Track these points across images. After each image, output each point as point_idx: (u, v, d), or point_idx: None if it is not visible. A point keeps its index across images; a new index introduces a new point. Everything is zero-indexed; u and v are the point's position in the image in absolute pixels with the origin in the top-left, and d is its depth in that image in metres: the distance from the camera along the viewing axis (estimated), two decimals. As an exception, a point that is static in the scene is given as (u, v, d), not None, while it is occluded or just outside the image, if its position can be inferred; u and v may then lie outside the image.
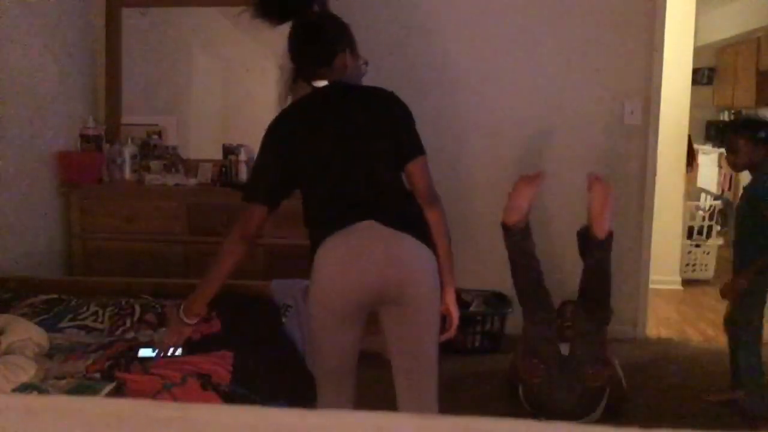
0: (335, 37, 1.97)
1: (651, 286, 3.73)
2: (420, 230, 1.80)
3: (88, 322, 2.20)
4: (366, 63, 2.08)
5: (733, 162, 2.66)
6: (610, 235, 2.45)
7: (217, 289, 1.91)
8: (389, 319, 1.87)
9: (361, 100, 1.92)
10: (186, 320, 1.89)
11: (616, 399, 2.67)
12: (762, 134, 2.57)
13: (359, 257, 1.74)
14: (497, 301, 3.51)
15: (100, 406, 0.49)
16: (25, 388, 1.66)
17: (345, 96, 1.91)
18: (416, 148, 1.89)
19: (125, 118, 3.73)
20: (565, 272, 3.68)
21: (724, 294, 2.68)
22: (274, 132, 1.90)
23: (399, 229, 1.76)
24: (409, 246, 1.77)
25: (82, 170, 3.42)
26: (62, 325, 2.16)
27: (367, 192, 1.81)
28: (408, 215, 1.81)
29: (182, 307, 1.90)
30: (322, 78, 1.90)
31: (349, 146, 1.84)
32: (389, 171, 1.85)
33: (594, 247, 2.50)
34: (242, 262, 1.97)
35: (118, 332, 2.13)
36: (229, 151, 3.55)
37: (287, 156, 1.86)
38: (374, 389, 2.93)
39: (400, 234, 1.76)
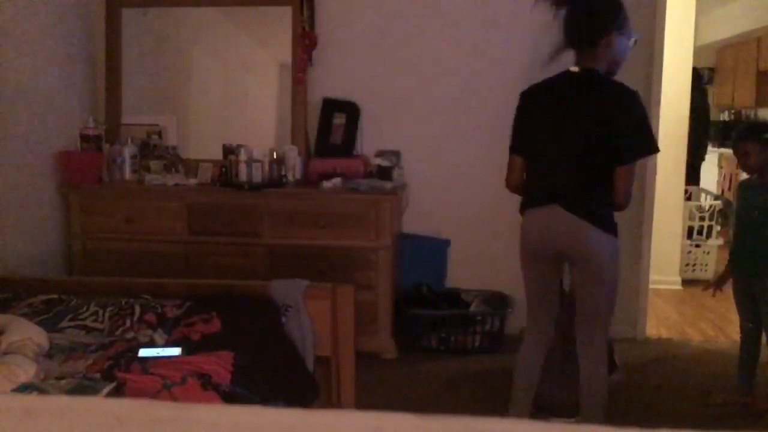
0: (604, 18, 2.19)
1: (651, 286, 3.73)
2: (599, 221, 2.15)
3: (88, 322, 2.19)
4: (635, 41, 2.31)
5: (746, 165, 2.77)
6: None
7: None
8: (574, 274, 2.28)
9: (600, 96, 2.18)
10: None
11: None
12: (767, 136, 2.69)
13: (540, 231, 2.25)
14: (497, 301, 3.51)
15: (100, 406, 0.49)
16: (25, 388, 1.66)
17: (588, 88, 2.18)
18: (634, 153, 2.20)
19: (125, 118, 3.74)
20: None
21: None
22: (523, 101, 2.30)
23: (579, 217, 2.14)
24: (578, 225, 2.15)
25: (82, 170, 3.42)
26: (62, 325, 2.16)
27: (566, 182, 2.18)
28: (592, 208, 2.16)
29: None
30: (582, 59, 2.19)
31: (567, 138, 2.17)
32: (595, 167, 2.16)
33: None
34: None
35: (118, 332, 2.13)
36: (229, 151, 3.55)
37: (525, 126, 2.28)
38: (374, 389, 2.94)
39: (578, 220, 2.14)
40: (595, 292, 2.20)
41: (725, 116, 7.40)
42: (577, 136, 2.15)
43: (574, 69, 2.19)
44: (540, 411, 2.59)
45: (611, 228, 2.18)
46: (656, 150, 2.30)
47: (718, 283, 2.93)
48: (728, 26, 6.29)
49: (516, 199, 3.48)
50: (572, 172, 2.17)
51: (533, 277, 2.33)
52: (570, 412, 2.53)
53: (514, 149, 2.31)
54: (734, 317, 3.04)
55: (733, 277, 2.86)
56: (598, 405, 2.26)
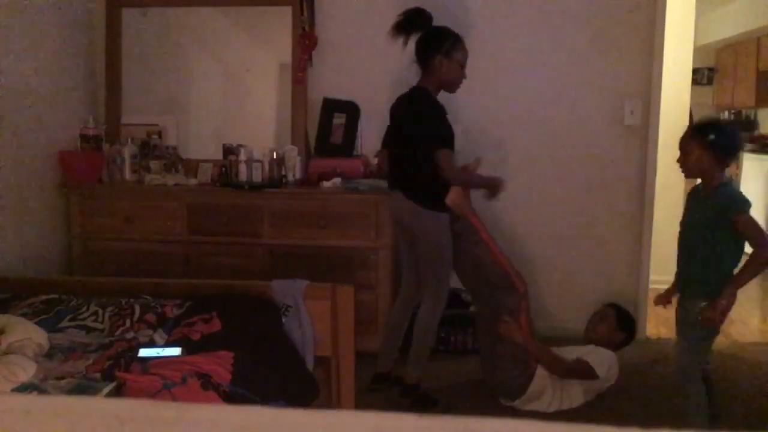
0: (432, 43, 2.78)
1: (651, 286, 3.73)
2: (420, 199, 2.78)
3: (88, 322, 2.19)
4: (462, 66, 2.82)
5: (684, 165, 2.44)
6: None
7: None
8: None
9: (407, 102, 2.85)
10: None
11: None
12: (712, 137, 2.33)
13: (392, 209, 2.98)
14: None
15: (100, 406, 0.49)
16: (25, 388, 1.66)
17: (407, 98, 2.86)
18: (433, 143, 2.72)
19: (125, 118, 3.74)
20: (564, 272, 3.69)
21: (712, 321, 2.35)
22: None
23: (407, 197, 2.80)
24: (405, 204, 2.82)
25: (82, 170, 3.42)
26: (62, 325, 2.16)
27: (402, 172, 2.87)
28: (416, 189, 2.80)
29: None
30: (422, 74, 2.83)
31: (400, 139, 2.88)
32: (417, 158, 2.76)
33: None
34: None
35: (118, 332, 2.13)
36: (229, 151, 3.55)
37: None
38: (374, 389, 2.93)
39: (405, 199, 2.81)
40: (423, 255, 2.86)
41: (725, 116, 7.40)
42: (403, 139, 2.86)
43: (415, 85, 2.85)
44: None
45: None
46: (443, 145, 2.71)
47: (661, 298, 2.69)
48: (728, 26, 6.29)
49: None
50: (403, 163, 2.85)
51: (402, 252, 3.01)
52: (510, 393, 2.83)
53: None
54: (734, 317, 3.04)
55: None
56: (419, 337, 2.85)
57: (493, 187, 2.89)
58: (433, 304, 2.84)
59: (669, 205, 4.47)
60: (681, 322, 2.49)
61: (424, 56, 2.79)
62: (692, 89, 4.65)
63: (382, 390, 2.93)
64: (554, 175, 3.59)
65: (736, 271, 2.37)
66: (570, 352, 2.86)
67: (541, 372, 2.77)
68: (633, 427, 0.46)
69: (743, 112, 6.97)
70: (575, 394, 2.81)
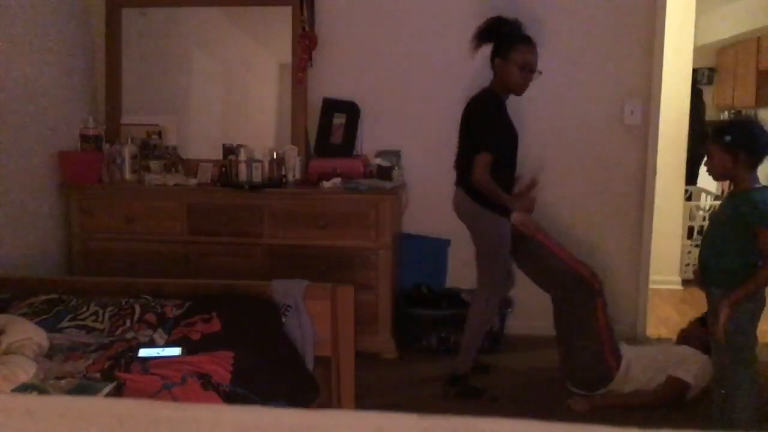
0: (495, 46, 2.86)
1: (651, 286, 3.73)
2: (477, 197, 2.85)
3: (88, 322, 2.19)
4: (522, 68, 2.82)
5: (711, 170, 2.41)
6: None
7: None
8: None
9: (469, 103, 2.92)
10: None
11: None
12: (728, 138, 2.28)
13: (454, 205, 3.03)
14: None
15: (100, 406, 0.49)
16: (25, 388, 1.66)
17: (472, 98, 2.91)
18: (477, 145, 2.80)
19: (125, 118, 3.74)
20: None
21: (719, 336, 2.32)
22: None
23: (465, 194, 2.90)
24: (462, 201, 2.93)
25: (82, 170, 3.42)
26: (62, 325, 2.16)
27: (461, 169, 2.93)
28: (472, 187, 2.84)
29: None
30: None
31: (460, 138, 2.97)
32: (471, 158, 2.81)
33: None
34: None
35: (118, 332, 2.13)
36: (229, 151, 3.55)
37: None
38: (374, 389, 2.94)
39: (463, 195, 2.92)
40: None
41: (725, 116, 7.39)
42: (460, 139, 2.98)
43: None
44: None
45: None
46: (487, 149, 2.78)
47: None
48: (728, 26, 6.28)
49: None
50: (463, 162, 2.91)
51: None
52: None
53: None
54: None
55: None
56: (469, 330, 2.95)
57: (522, 204, 2.92)
58: (485, 300, 2.92)
59: (669, 205, 4.48)
60: (712, 313, 2.40)
61: (491, 59, 2.87)
62: (692, 89, 4.64)
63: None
64: (554, 175, 3.59)
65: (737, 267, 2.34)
66: (658, 352, 2.94)
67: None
68: (633, 427, 0.46)
69: (743, 112, 6.96)
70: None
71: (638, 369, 2.85)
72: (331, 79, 3.66)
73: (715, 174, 2.40)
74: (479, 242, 2.91)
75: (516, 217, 2.84)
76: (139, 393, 1.68)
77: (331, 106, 3.61)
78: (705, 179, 6.18)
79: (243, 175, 3.40)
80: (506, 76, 2.82)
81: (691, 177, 5.45)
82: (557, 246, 3.00)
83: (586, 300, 2.91)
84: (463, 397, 2.91)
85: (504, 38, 2.84)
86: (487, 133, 2.80)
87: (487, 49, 2.93)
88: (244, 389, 1.82)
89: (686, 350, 2.90)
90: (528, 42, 2.84)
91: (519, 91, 2.88)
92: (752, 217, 2.23)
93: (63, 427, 0.47)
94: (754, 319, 2.31)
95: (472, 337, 2.94)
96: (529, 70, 2.82)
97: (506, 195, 2.98)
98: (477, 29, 2.91)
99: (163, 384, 1.72)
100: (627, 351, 2.92)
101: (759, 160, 2.29)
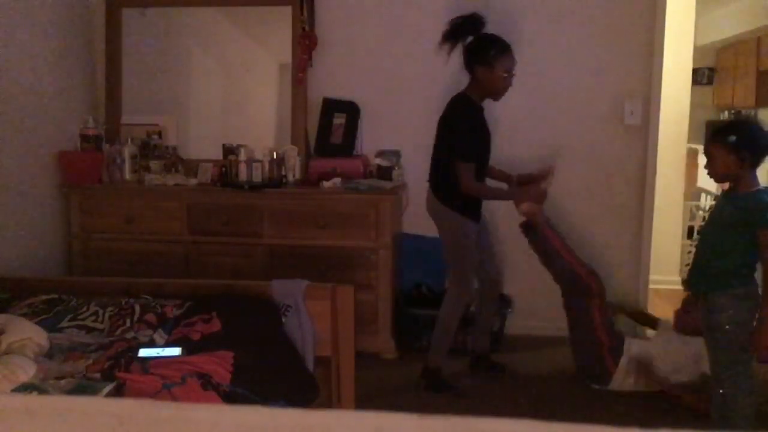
0: (476, 53, 2.81)
1: (651, 286, 3.73)
2: (440, 192, 2.90)
3: (88, 322, 2.19)
4: (506, 75, 2.82)
5: (712, 171, 2.33)
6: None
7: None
8: None
9: (446, 107, 2.92)
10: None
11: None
12: (732, 139, 2.21)
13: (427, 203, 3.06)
14: (497, 301, 3.51)
15: (100, 406, 0.49)
16: (25, 388, 1.66)
17: (449, 102, 2.93)
18: (451, 154, 2.84)
19: (125, 118, 3.74)
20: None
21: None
22: None
23: (432, 190, 2.96)
24: (430, 197, 2.98)
25: (82, 170, 3.42)
26: (62, 325, 2.16)
27: (432, 167, 2.99)
28: (437, 183, 2.93)
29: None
30: (469, 80, 2.89)
31: (435, 139, 2.95)
32: (441, 161, 2.90)
33: None
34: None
35: (118, 332, 2.13)
36: (229, 151, 3.55)
37: None
38: (374, 389, 2.94)
39: (431, 192, 2.98)
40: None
41: (725, 116, 7.39)
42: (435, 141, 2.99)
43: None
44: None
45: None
46: (465, 159, 2.80)
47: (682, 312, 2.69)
48: (728, 26, 6.28)
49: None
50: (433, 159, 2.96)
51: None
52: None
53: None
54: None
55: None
56: (437, 325, 3.00)
57: (530, 195, 2.93)
58: (454, 296, 2.96)
59: (669, 205, 4.48)
60: (703, 320, 2.37)
61: (468, 65, 2.84)
62: (692, 89, 4.64)
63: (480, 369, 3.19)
64: (554, 175, 3.59)
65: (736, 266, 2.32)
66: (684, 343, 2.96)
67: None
68: (633, 427, 0.46)
69: (743, 112, 6.96)
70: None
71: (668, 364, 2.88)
72: (331, 79, 3.66)
73: (718, 176, 2.33)
74: (444, 240, 2.96)
75: (524, 207, 2.87)
76: (139, 393, 1.68)
77: (331, 106, 3.61)
78: (705, 179, 6.18)
79: (243, 175, 3.40)
80: (491, 84, 2.82)
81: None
82: (561, 243, 3.03)
83: (581, 299, 2.97)
84: (433, 390, 2.96)
85: (485, 45, 2.82)
86: (466, 143, 2.81)
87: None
88: (244, 389, 1.82)
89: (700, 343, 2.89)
90: (509, 49, 2.84)
91: (500, 96, 2.90)
92: (762, 217, 2.20)
93: (63, 427, 0.47)
94: (752, 318, 2.31)
95: (442, 333, 2.98)
96: (510, 75, 2.85)
97: (503, 189, 3.05)
98: (445, 32, 2.89)
99: (163, 384, 1.72)
100: (648, 347, 2.95)
101: (761, 160, 2.28)
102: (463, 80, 3.61)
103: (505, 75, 2.82)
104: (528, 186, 3.01)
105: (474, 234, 2.92)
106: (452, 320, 2.99)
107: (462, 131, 2.82)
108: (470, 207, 2.89)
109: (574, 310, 3.04)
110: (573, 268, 2.97)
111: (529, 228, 3.05)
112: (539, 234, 3.01)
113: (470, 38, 2.87)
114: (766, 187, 2.31)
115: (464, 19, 2.87)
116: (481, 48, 2.82)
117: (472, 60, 2.83)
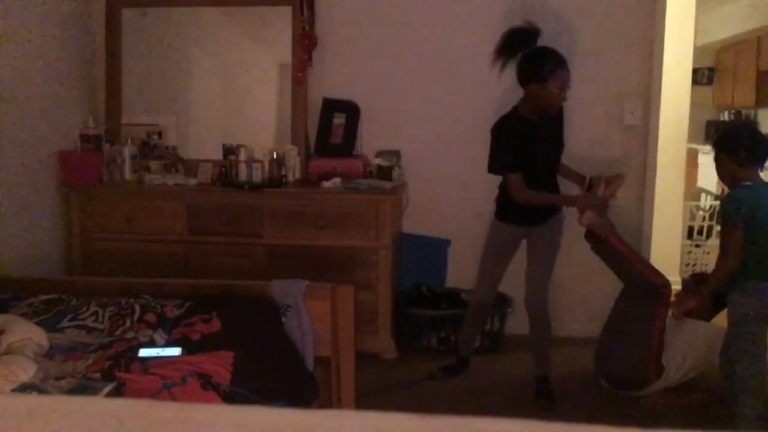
0: (529, 69, 2.72)
1: (651, 286, 3.72)
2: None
3: (88, 322, 2.19)
4: (559, 90, 2.71)
5: (720, 176, 2.45)
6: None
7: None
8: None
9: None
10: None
11: None
12: (717, 144, 2.35)
13: None
14: (497, 301, 3.51)
15: (100, 406, 0.49)
16: (25, 388, 1.66)
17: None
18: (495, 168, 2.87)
19: (125, 118, 3.74)
20: (564, 272, 3.69)
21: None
22: None
23: None
24: None
25: (82, 170, 3.42)
26: (62, 325, 2.16)
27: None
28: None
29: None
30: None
31: None
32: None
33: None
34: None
35: (118, 332, 2.13)
36: (229, 151, 3.55)
37: None
38: (374, 389, 2.94)
39: None
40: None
41: (725, 116, 7.40)
42: None
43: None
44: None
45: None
46: (490, 170, 2.86)
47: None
48: (728, 26, 6.29)
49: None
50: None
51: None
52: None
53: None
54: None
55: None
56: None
57: (590, 203, 2.76)
58: (473, 292, 3.23)
59: (669, 205, 4.47)
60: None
61: (520, 80, 2.75)
62: (692, 89, 4.64)
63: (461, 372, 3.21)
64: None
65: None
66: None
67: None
68: (633, 427, 0.46)
69: (743, 112, 6.96)
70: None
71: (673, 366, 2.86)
72: (331, 79, 3.66)
73: (722, 180, 2.47)
74: None
75: (586, 217, 2.74)
76: (139, 393, 1.68)
77: (331, 106, 3.61)
78: (705, 179, 6.18)
79: (243, 175, 3.40)
80: (543, 101, 2.72)
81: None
82: (629, 250, 2.91)
83: (648, 307, 2.86)
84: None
85: (539, 61, 2.69)
86: (500, 156, 2.80)
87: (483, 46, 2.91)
88: (244, 389, 1.82)
89: (706, 329, 2.89)
90: (564, 64, 2.71)
91: (553, 111, 2.79)
92: (722, 212, 2.34)
93: (63, 427, 0.47)
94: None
95: (462, 328, 3.20)
96: (564, 90, 2.73)
97: (560, 195, 2.94)
98: (498, 46, 2.78)
99: (163, 384, 1.72)
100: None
101: (749, 160, 2.33)
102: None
103: (558, 91, 2.69)
104: (588, 194, 2.81)
105: (506, 238, 2.97)
106: (465, 319, 3.17)
107: (496, 145, 2.82)
108: (506, 209, 2.91)
109: (637, 315, 2.90)
110: (648, 277, 2.86)
111: (594, 237, 2.90)
112: (605, 244, 2.87)
113: (522, 52, 2.74)
114: (744, 185, 2.37)
115: (519, 32, 2.76)
116: (536, 64, 2.69)
117: (526, 76, 2.72)
